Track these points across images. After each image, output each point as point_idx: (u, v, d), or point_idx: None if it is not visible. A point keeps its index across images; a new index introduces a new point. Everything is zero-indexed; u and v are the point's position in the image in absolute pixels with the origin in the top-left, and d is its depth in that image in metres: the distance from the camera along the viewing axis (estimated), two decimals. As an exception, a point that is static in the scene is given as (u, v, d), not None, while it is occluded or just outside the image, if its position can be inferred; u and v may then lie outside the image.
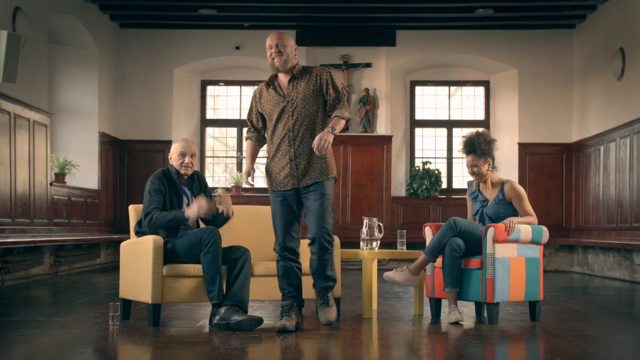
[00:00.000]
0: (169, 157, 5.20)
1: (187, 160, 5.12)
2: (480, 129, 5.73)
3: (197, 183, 5.23)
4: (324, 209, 4.83)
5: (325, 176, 4.88)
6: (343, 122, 4.85)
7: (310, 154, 4.87)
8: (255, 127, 5.09)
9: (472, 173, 5.49)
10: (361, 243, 5.71)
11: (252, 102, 5.07)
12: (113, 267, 10.87)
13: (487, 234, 5.13)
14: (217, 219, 5.14)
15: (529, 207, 5.38)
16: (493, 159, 5.50)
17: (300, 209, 4.97)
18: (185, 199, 5.14)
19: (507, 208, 5.39)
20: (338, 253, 5.40)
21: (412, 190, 12.25)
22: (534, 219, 5.37)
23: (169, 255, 4.91)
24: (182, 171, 5.13)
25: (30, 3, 9.05)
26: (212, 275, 4.77)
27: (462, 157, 12.83)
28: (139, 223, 5.15)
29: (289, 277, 4.93)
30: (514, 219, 5.22)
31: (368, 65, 12.47)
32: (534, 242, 5.31)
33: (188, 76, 12.74)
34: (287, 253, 4.92)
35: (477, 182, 5.53)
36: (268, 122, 4.98)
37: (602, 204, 10.91)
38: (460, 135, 12.89)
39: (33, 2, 9.17)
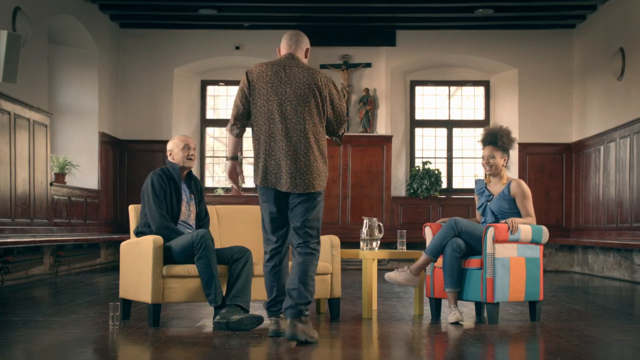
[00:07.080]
0: (168, 153, 5.19)
1: (191, 151, 5.14)
2: (504, 125, 5.65)
3: (194, 183, 5.24)
4: None
5: None
6: None
7: None
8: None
9: (487, 164, 5.44)
10: (361, 243, 5.71)
11: None
12: (113, 267, 10.87)
13: (487, 234, 5.13)
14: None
15: (531, 207, 5.37)
16: (509, 157, 5.51)
17: None
18: (184, 197, 5.14)
19: (510, 204, 5.38)
20: (338, 253, 5.41)
21: (412, 190, 12.24)
22: (532, 220, 5.36)
23: (166, 256, 4.91)
24: (187, 164, 5.14)
25: (30, 3, 9.04)
26: (208, 280, 4.78)
27: (462, 157, 13.01)
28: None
29: None
30: (517, 219, 5.22)
31: (368, 65, 12.47)
32: (534, 242, 5.31)
33: (188, 76, 12.73)
34: None
35: (490, 174, 5.49)
36: None
37: (602, 204, 10.91)
38: (460, 135, 12.91)
39: (33, 2, 9.17)
